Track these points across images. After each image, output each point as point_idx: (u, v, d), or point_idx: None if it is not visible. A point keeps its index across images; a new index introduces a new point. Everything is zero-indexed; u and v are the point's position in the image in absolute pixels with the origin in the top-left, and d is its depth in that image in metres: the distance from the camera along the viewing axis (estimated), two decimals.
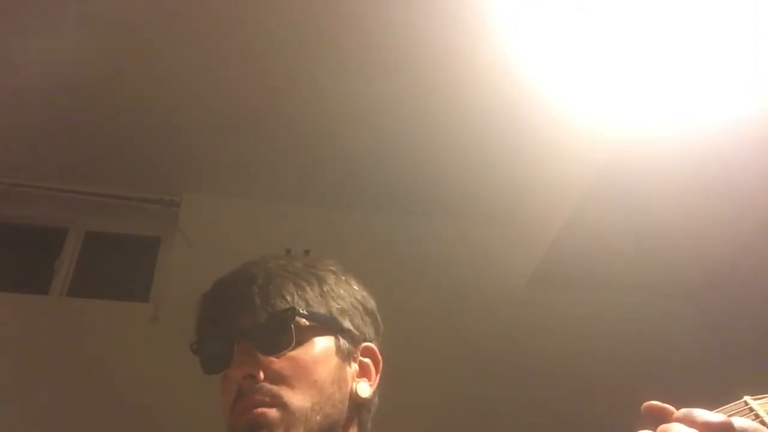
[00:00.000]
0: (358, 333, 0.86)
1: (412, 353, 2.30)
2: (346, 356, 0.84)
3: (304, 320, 0.81)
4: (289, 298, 0.81)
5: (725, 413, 0.51)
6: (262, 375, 0.77)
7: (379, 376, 0.87)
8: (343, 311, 0.86)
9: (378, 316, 0.92)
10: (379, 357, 0.88)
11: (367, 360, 0.87)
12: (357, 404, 0.83)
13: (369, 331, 0.89)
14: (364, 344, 0.88)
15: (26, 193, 2.64)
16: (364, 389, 0.84)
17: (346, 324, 0.85)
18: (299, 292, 0.82)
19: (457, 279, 2.63)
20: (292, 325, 0.80)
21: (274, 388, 0.77)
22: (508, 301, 2.63)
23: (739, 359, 2.34)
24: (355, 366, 0.85)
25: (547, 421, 2.33)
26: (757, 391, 0.54)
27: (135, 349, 2.34)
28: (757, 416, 0.51)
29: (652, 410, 0.52)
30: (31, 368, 2.24)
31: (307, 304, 0.82)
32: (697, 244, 2.49)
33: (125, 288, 2.68)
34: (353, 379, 0.84)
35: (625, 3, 1.90)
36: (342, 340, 0.84)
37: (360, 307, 0.89)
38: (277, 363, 0.78)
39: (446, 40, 2.11)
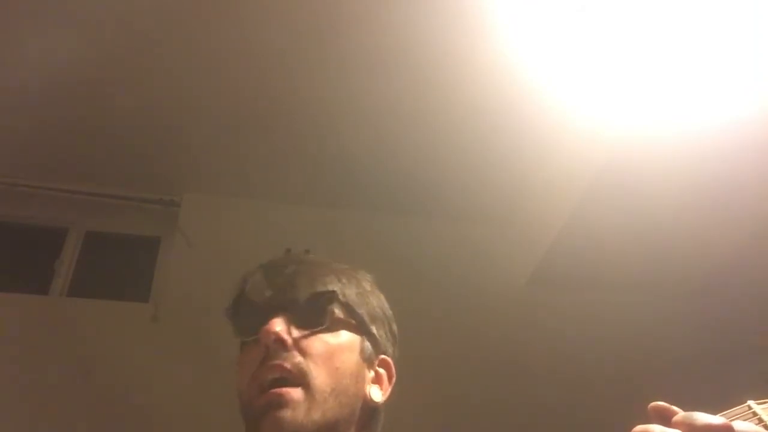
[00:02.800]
0: (381, 342, 0.89)
1: (412, 353, 2.29)
2: (366, 359, 0.86)
3: (339, 310, 0.84)
4: (330, 286, 0.85)
5: (728, 417, 0.51)
6: (291, 342, 0.79)
7: (390, 389, 0.89)
8: (373, 317, 0.89)
9: (397, 340, 0.95)
10: (394, 371, 0.91)
11: (382, 371, 0.89)
12: (369, 408, 0.84)
13: (389, 346, 0.92)
14: (383, 356, 0.90)
15: (26, 193, 2.64)
16: (377, 394, 0.85)
17: (374, 329, 0.88)
18: (340, 285, 0.86)
19: (457, 279, 2.63)
20: (329, 308, 0.83)
21: (301, 360, 0.78)
22: (508, 302, 2.62)
23: (739, 359, 2.34)
24: (371, 372, 0.87)
25: (547, 421, 2.33)
26: (758, 392, 0.54)
27: (135, 349, 2.34)
28: (760, 420, 0.51)
29: (657, 410, 0.53)
30: (31, 368, 2.24)
31: (345, 296, 0.86)
32: (697, 244, 2.48)
33: (125, 288, 2.68)
34: (368, 383, 0.85)
35: (625, 3, 1.90)
36: (366, 343, 0.86)
37: (386, 322, 0.92)
38: (308, 339, 0.80)
39: (446, 40, 2.11)
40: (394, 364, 0.92)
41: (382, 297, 0.94)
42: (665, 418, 0.52)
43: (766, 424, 0.50)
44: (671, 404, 0.53)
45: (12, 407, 2.10)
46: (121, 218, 2.76)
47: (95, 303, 2.55)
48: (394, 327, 0.94)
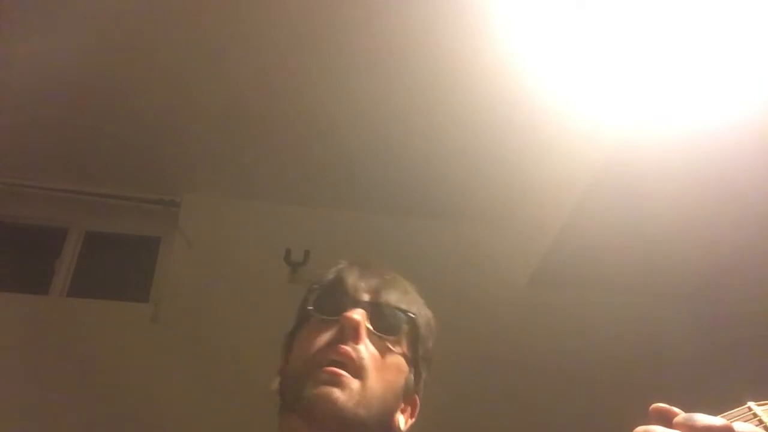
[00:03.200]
0: (420, 383, 0.93)
1: None
2: (405, 389, 0.89)
3: (408, 335, 0.90)
4: (414, 310, 0.91)
5: (728, 418, 0.51)
6: (365, 339, 0.84)
7: (410, 425, 0.92)
8: (426, 359, 0.94)
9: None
10: (416, 412, 0.94)
11: (408, 408, 0.92)
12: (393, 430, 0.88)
13: (421, 390, 0.95)
14: (416, 395, 0.93)
15: (26, 193, 2.64)
16: (403, 422, 0.89)
17: (422, 369, 0.92)
18: (421, 316, 0.93)
19: (458, 279, 2.63)
20: (404, 326, 0.89)
21: (365, 357, 0.82)
22: (509, 302, 2.62)
23: (740, 359, 2.34)
24: (402, 402, 0.90)
25: (547, 421, 2.33)
26: (758, 392, 0.54)
27: (135, 349, 2.34)
28: (761, 422, 0.51)
29: (659, 412, 0.53)
30: (31, 368, 2.24)
31: (419, 327, 0.92)
32: (697, 244, 2.48)
33: (125, 288, 2.68)
34: (399, 410, 0.89)
35: (625, 3, 1.90)
36: (411, 376, 0.90)
37: (430, 368, 0.97)
38: (376, 342, 0.85)
39: (446, 40, 2.11)
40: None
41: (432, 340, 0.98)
42: (666, 420, 0.52)
43: (766, 426, 0.50)
44: (671, 405, 0.53)
45: (12, 407, 2.10)
46: (121, 218, 2.76)
47: (95, 303, 2.55)
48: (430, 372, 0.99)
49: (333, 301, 0.88)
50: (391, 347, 0.86)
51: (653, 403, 0.55)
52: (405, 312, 0.89)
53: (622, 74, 2.07)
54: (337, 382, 0.78)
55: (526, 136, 2.40)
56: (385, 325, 0.87)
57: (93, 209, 2.73)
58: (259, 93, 2.36)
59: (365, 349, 0.83)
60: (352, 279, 0.91)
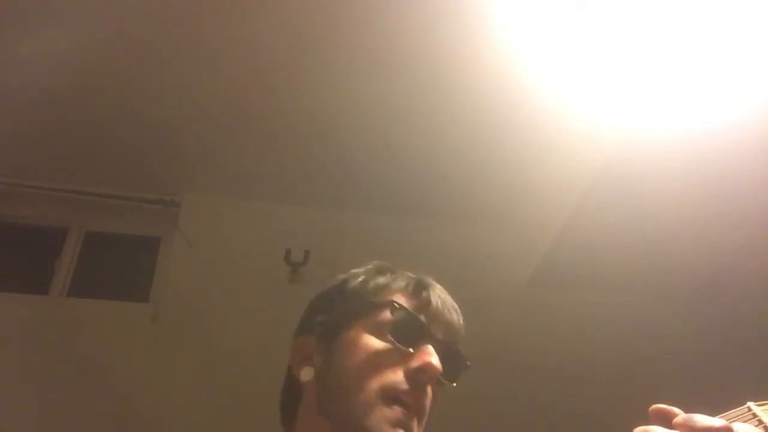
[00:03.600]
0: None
1: None
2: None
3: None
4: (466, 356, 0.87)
5: (728, 419, 0.51)
6: (436, 384, 0.81)
7: None
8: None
9: None
10: None
11: None
12: None
13: None
14: None
15: (26, 193, 2.64)
16: None
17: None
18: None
19: (457, 279, 2.61)
20: (460, 374, 0.86)
21: (426, 406, 0.80)
22: (509, 302, 2.62)
23: (740, 359, 2.34)
24: None
25: (547, 421, 2.33)
26: (758, 392, 0.54)
27: (135, 349, 2.34)
28: (760, 422, 0.51)
29: (658, 412, 0.53)
30: (31, 368, 2.24)
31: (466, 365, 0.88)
32: (698, 244, 2.48)
33: (125, 288, 2.68)
34: None
35: (625, 3, 1.90)
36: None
37: None
38: (435, 387, 0.82)
39: (446, 41, 2.11)
40: None
41: None
42: (666, 420, 0.52)
43: (765, 426, 0.50)
44: (671, 405, 0.53)
45: (12, 407, 2.10)
46: (121, 218, 2.77)
47: (95, 303, 2.55)
48: None
49: (413, 327, 0.82)
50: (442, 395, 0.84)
51: (653, 402, 0.55)
52: (465, 362, 0.86)
53: (622, 74, 2.07)
54: (404, 424, 0.76)
55: (526, 136, 2.40)
56: (451, 374, 0.83)
57: (93, 209, 2.73)
58: (259, 93, 2.36)
59: (430, 395, 0.80)
60: (440, 308, 0.86)
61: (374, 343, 0.81)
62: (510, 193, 2.67)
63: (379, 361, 0.79)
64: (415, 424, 0.77)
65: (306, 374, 0.83)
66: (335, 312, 0.87)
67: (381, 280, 0.90)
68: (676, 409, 0.53)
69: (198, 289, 2.53)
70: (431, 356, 0.79)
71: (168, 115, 2.44)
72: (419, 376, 0.78)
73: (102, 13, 2.07)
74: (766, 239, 2.40)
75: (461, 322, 0.89)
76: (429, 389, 0.80)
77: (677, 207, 2.31)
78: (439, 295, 0.89)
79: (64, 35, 2.12)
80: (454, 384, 0.84)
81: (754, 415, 0.51)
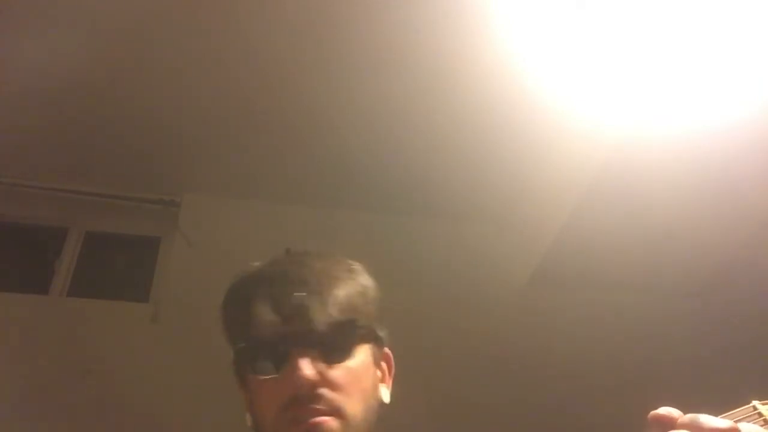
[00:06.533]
0: (384, 338, 0.87)
1: (411, 354, 2.29)
2: (377, 363, 0.85)
3: (361, 331, 0.82)
4: (347, 308, 0.80)
5: (733, 418, 0.50)
6: (322, 383, 0.76)
7: (391, 380, 0.88)
8: (378, 318, 0.86)
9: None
10: (392, 361, 0.90)
11: (384, 365, 0.88)
12: (380, 409, 0.84)
13: (386, 335, 0.89)
14: (385, 350, 0.89)
15: (26, 193, 2.64)
16: (386, 395, 0.85)
17: (380, 332, 0.86)
18: (353, 302, 0.82)
19: (457, 279, 2.63)
20: (351, 338, 0.80)
21: (335, 397, 0.76)
22: (509, 302, 2.62)
23: (741, 359, 2.34)
24: (378, 372, 0.86)
25: (547, 421, 2.33)
26: (760, 392, 0.54)
27: (135, 349, 2.34)
28: (766, 421, 0.50)
29: (658, 419, 0.51)
30: (31, 368, 2.24)
31: (360, 314, 0.82)
32: (698, 244, 2.48)
33: (125, 288, 2.68)
34: (378, 386, 0.85)
35: (625, 3, 1.90)
36: (376, 347, 0.85)
37: (379, 310, 0.89)
38: (336, 371, 0.78)
39: (446, 40, 2.11)
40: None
41: (370, 280, 0.89)
42: (666, 425, 0.50)
43: None
44: (673, 405, 0.52)
45: (12, 407, 2.10)
46: (121, 218, 2.76)
47: (95, 303, 2.55)
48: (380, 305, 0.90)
49: (264, 358, 0.78)
50: (349, 361, 0.79)
51: (654, 402, 0.54)
52: (343, 325, 0.79)
53: (622, 74, 2.07)
54: (315, 424, 0.74)
55: (526, 136, 2.40)
56: (333, 351, 0.78)
57: (93, 209, 2.72)
58: (259, 93, 2.35)
59: (330, 390, 0.76)
60: (265, 320, 0.79)
61: (256, 383, 0.80)
62: (510, 193, 2.67)
63: (266, 401, 0.78)
64: (331, 420, 0.74)
65: (248, 420, 0.83)
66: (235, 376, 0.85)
67: (228, 315, 0.88)
68: (676, 412, 0.51)
69: (198, 289, 2.52)
70: (295, 375, 0.75)
71: (168, 115, 2.44)
72: (299, 394, 0.75)
73: (102, 13, 2.07)
74: (766, 239, 2.40)
75: (311, 292, 0.80)
76: (326, 385, 0.76)
77: (677, 207, 2.31)
78: (262, 299, 0.81)
79: (64, 35, 2.12)
80: (350, 358, 0.79)
81: (760, 414, 0.51)
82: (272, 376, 0.77)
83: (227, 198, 2.78)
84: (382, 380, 0.86)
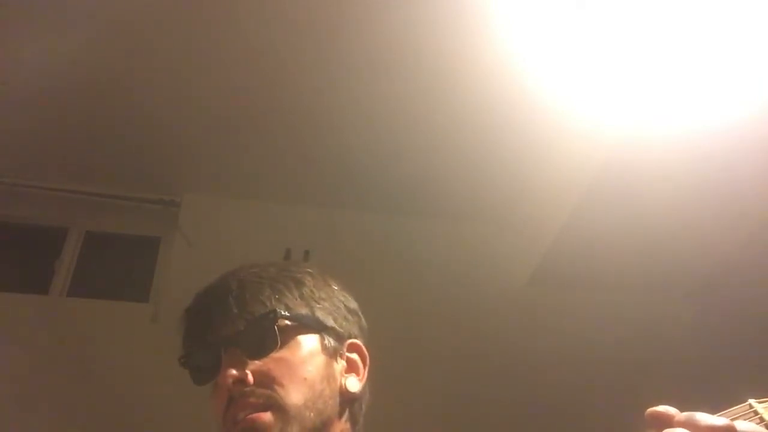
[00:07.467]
0: (342, 330, 0.87)
1: (412, 353, 2.30)
2: (332, 353, 0.85)
3: (286, 321, 0.82)
4: (267, 302, 0.83)
5: (729, 416, 0.51)
6: (251, 378, 0.79)
7: (367, 370, 0.89)
8: (325, 310, 0.87)
9: (361, 315, 0.93)
10: (366, 352, 0.90)
11: (354, 356, 0.88)
12: (347, 399, 0.84)
13: (353, 328, 0.90)
14: (350, 341, 0.89)
15: (26, 193, 2.64)
16: (354, 384, 0.85)
17: (330, 322, 0.86)
18: (276, 296, 0.84)
19: (458, 279, 2.63)
20: (275, 327, 0.81)
21: (265, 390, 0.78)
22: (509, 302, 2.62)
23: (740, 359, 2.34)
24: (342, 362, 0.86)
25: (547, 421, 2.33)
26: (758, 392, 0.54)
27: (134, 349, 2.34)
28: (762, 420, 0.50)
29: (655, 416, 0.52)
30: (31, 368, 2.24)
31: (287, 306, 0.83)
32: (697, 244, 2.48)
33: (125, 288, 2.68)
34: (342, 375, 0.85)
35: (625, 3, 1.90)
36: (327, 338, 0.85)
37: (342, 306, 0.90)
38: (265, 365, 0.80)
39: (446, 40, 2.11)
40: (365, 342, 0.91)
41: (331, 283, 0.91)
42: (663, 423, 0.51)
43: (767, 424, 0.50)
44: (671, 403, 0.52)
45: (12, 407, 2.10)
46: (121, 218, 2.76)
47: (95, 303, 2.55)
48: (353, 305, 0.92)
49: (200, 367, 0.85)
50: (281, 352, 0.80)
51: (653, 401, 0.54)
52: (263, 316, 0.81)
53: (622, 74, 2.07)
54: (254, 428, 0.76)
55: (526, 136, 2.40)
56: (259, 343, 0.80)
57: (93, 209, 2.72)
58: (258, 93, 2.36)
59: (261, 384, 0.78)
60: (194, 333, 0.87)
61: (210, 397, 0.85)
62: (510, 193, 2.67)
63: (213, 406, 0.83)
64: (264, 415, 0.76)
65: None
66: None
67: (182, 330, 0.92)
68: (672, 410, 0.52)
69: (198, 289, 2.53)
70: (221, 377, 0.79)
71: (168, 115, 2.44)
72: (232, 393, 0.78)
73: (102, 14, 2.07)
74: (765, 239, 2.41)
75: (235, 296, 0.84)
76: (257, 379, 0.78)
77: (677, 207, 2.31)
78: (191, 316, 0.91)
79: (64, 35, 2.12)
80: (275, 351, 0.80)
81: (756, 413, 0.51)
82: (213, 383, 0.82)
83: (227, 198, 2.78)
84: (350, 370, 0.86)
